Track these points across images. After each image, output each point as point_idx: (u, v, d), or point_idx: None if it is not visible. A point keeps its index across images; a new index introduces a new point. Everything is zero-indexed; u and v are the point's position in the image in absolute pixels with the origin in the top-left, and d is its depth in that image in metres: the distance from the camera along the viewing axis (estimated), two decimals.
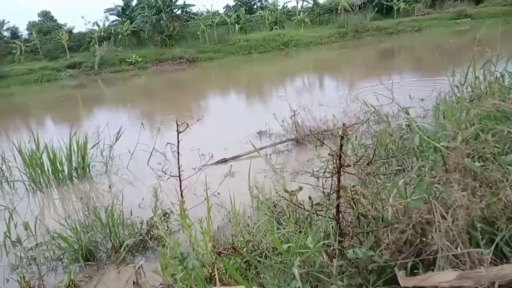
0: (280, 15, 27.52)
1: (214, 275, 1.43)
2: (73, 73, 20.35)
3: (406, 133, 2.52)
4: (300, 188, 1.59)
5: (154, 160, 4.24)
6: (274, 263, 1.33)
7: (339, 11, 25.88)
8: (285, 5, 29.62)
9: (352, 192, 1.37)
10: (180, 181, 2.60)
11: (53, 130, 7.47)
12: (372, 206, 1.39)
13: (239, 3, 31.41)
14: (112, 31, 24.51)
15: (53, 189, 3.98)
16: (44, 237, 2.62)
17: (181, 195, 2.57)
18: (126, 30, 23.62)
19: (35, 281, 2.16)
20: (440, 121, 2.02)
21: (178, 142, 2.56)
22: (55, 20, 31.64)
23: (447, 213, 1.27)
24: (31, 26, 29.33)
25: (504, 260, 1.24)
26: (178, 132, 2.52)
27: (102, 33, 24.24)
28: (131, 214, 2.68)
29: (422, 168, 1.54)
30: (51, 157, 4.00)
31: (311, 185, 1.62)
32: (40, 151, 4.04)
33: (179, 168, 2.59)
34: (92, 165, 4.33)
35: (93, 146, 4.54)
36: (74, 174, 4.16)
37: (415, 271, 1.25)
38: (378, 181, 1.50)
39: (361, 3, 26.36)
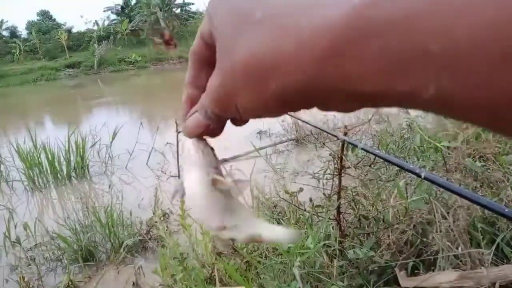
0: None
1: (214, 275, 1.43)
2: (72, 72, 20.34)
3: (406, 133, 2.52)
4: (301, 189, 1.59)
5: (154, 160, 4.23)
6: (274, 264, 1.33)
7: None
8: None
9: (353, 193, 1.37)
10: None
11: (52, 130, 7.45)
12: (373, 207, 1.39)
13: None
14: (112, 30, 24.49)
15: (52, 189, 3.97)
16: (44, 237, 2.61)
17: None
18: (125, 29, 23.60)
19: (35, 282, 2.15)
20: (441, 121, 2.02)
21: (178, 141, 2.55)
22: (54, 19, 31.60)
23: (447, 213, 1.27)
24: (30, 25, 29.29)
25: (505, 261, 1.24)
26: (178, 132, 2.51)
27: (101, 32, 24.22)
28: (131, 215, 2.67)
29: (423, 169, 1.53)
30: (50, 157, 3.98)
31: (312, 186, 1.62)
32: (38, 151, 4.02)
33: (178, 168, 2.58)
34: (91, 165, 4.32)
35: (92, 146, 4.53)
36: (73, 174, 4.15)
37: (415, 271, 1.24)
38: (379, 181, 1.50)
39: None
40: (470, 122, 0.12)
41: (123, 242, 2.36)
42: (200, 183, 0.24)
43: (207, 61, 0.20)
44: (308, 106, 0.16)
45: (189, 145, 0.24)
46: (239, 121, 0.21)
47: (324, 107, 0.16)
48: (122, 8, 27.64)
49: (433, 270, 1.23)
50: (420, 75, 0.11)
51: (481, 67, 0.10)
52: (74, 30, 26.57)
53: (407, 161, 1.54)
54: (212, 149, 0.25)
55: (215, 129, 0.21)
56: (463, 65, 0.10)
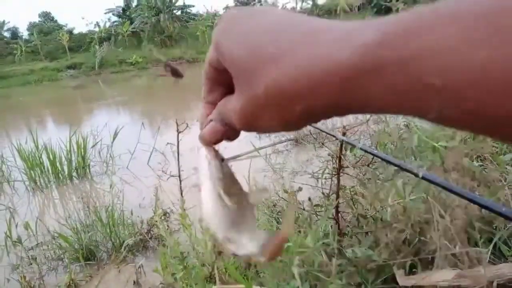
0: None
1: (214, 274, 1.44)
2: (73, 73, 20.40)
3: (404, 133, 2.54)
4: (300, 189, 1.60)
5: (154, 160, 4.25)
6: (274, 262, 1.34)
7: (338, 12, 25.94)
8: (284, 6, 29.70)
9: (352, 193, 1.38)
10: (180, 180, 2.61)
11: (54, 130, 7.48)
12: (371, 206, 1.40)
13: (238, 4, 31.47)
14: (113, 32, 24.55)
15: (53, 189, 3.99)
16: (45, 236, 2.63)
17: (181, 194, 2.58)
18: (126, 31, 23.66)
19: (36, 281, 2.16)
20: None
21: (178, 142, 2.57)
22: (56, 20, 31.72)
23: (445, 212, 1.28)
24: (31, 26, 29.40)
25: (502, 259, 1.25)
26: (178, 132, 2.53)
27: (103, 34, 24.28)
28: (132, 214, 2.69)
29: (420, 168, 1.55)
30: (51, 157, 4.00)
31: (311, 185, 1.63)
32: (39, 151, 4.05)
33: (179, 168, 2.60)
34: (92, 165, 4.34)
35: (93, 146, 4.55)
36: (74, 174, 4.16)
37: (413, 270, 1.25)
38: (377, 181, 1.51)
39: (360, 4, 26.43)
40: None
41: (124, 241, 2.38)
42: (209, 195, 0.25)
43: (218, 81, 0.23)
44: (327, 118, 0.18)
45: (201, 158, 0.26)
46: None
47: (339, 116, 0.18)
48: (123, 10, 27.73)
49: (431, 269, 1.24)
50: (424, 104, 0.13)
51: (473, 100, 0.12)
52: (75, 32, 26.65)
53: (405, 161, 1.55)
54: (223, 159, 0.26)
55: (231, 134, 0.24)
56: (458, 98, 0.12)
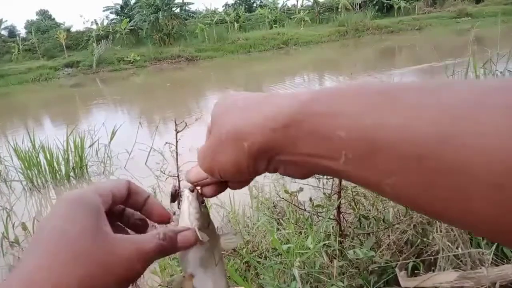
0: (280, 13, 27.46)
1: None
2: (71, 72, 20.27)
3: None
4: (301, 189, 1.58)
5: (153, 160, 4.22)
6: (274, 264, 1.32)
7: (339, 10, 25.85)
8: (285, 4, 29.60)
9: (353, 193, 1.36)
10: (179, 181, 2.58)
11: (51, 129, 7.43)
12: (373, 207, 1.38)
13: (238, 1, 31.35)
14: (111, 30, 24.40)
15: (51, 189, 3.96)
16: None
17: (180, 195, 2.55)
18: (124, 29, 23.51)
19: None
20: None
21: (177, 141, 2.54)
22: (53, 18, 31.53)
23: None
24: (29, 25, 29.20)
25: (505, 260, 1.24)
26: (177, 132, 2.50)
27: (101, 32, 24.13)
28: None
29: None
30: (48, 157, 3.97)
31: (312, 185, 1.62)
32: (36, 150, 4.01)
33: (177, 168, 2.57)
34: (89, 165, 4.31)
35: (91, 146, 4.52)
36: (72, 174, 4.13)
37: (416, 271, 1.24)
38: None
39: (362, 2, 26.37)
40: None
41: None
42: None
43: None
44: (269, 165, 0.22)
45: (184, 197, 0.30)
46: (232, 185, 0.28)
47: (281, 169, 0.23)
48: (122, 7, 27.56)
49: (433, 270, 1.23)
50: (334, 150, 0.18)
51: (358, 151, 0.18)
52: (73, 30, 26.45)
53: None
54: (203, 201, 0.30)
55: (210, 186, 0.29)
56: (354, 147, 0.18)
